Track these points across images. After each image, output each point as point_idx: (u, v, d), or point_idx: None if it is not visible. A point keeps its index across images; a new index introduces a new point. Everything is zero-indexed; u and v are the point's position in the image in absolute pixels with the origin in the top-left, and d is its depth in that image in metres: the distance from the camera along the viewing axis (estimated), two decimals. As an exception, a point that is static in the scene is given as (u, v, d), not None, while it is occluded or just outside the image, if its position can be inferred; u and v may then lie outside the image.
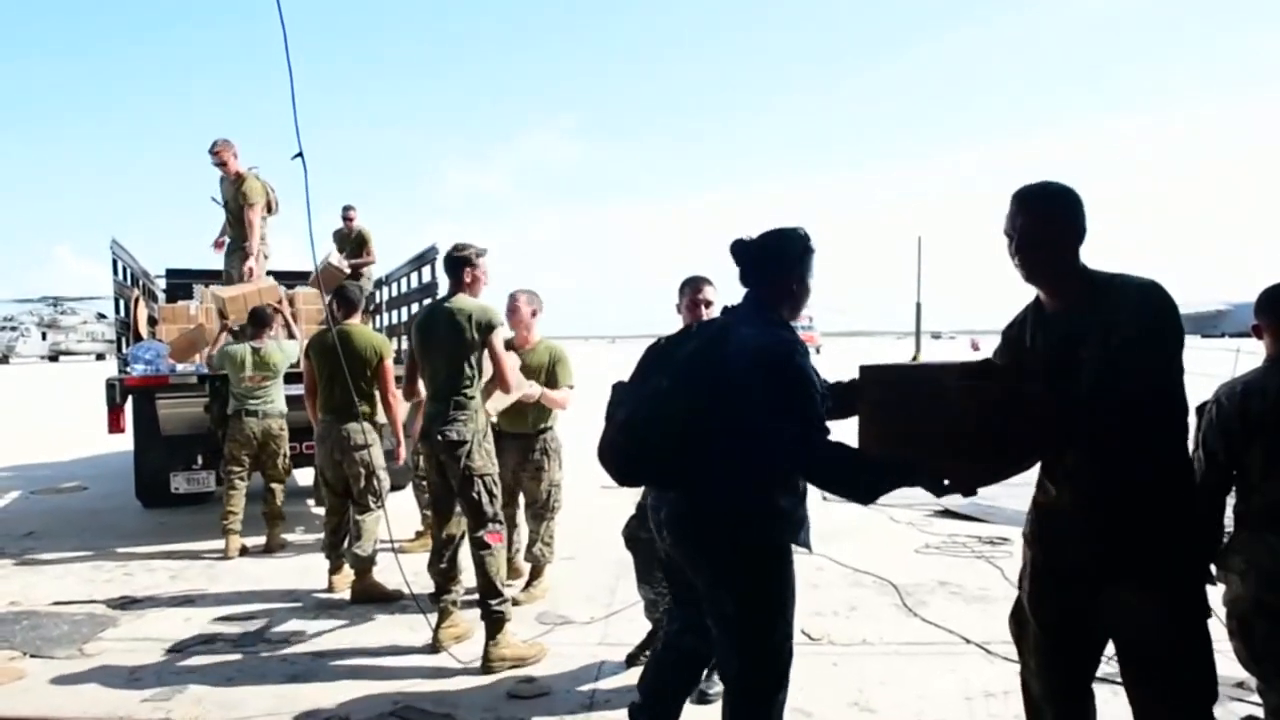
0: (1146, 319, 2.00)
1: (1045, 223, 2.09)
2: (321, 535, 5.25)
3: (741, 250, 2.43)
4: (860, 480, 2.24)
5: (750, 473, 2.26)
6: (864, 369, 2.42)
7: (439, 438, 3.86)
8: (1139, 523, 2.03)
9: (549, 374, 4.72)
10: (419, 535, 6.10)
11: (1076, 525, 2.12)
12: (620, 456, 2.40)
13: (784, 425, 2.18)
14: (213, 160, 7.28)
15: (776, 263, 2.41)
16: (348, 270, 8.45)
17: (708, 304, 3.60)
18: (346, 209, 9.26)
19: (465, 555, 4.02)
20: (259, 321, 6.14)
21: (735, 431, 2.23)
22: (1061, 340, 2.09)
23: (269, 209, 7.54)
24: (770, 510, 2.30)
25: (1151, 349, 2.00)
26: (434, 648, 3.98)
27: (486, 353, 3.98)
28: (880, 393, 2.36)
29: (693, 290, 3.65)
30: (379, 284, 10.05)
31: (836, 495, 2.44)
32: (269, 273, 7.76)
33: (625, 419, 2.39)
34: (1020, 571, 2.36)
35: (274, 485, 6.07)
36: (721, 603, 2.34)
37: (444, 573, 4.04)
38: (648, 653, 3.82)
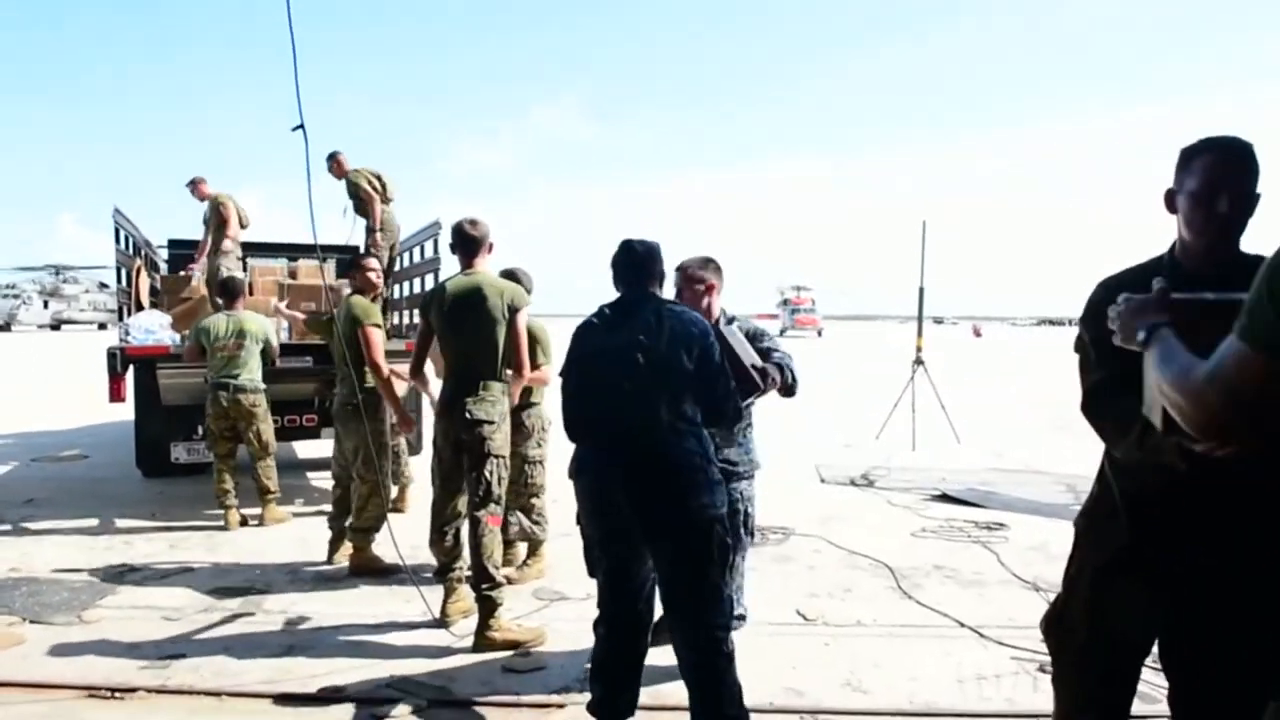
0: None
1: (1256, 181, 1.87)
2: (319, 507, 5.25)
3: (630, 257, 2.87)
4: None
5: (697, 422, 2.71)
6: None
7: (465, 415, 3.79)
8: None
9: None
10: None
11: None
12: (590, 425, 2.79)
13: (720, 380, 2.75)
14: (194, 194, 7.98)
15: (656, 267, 2.90)
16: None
17: (705, 285, 3.43)
18: (333, 155, 7.85)
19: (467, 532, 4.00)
20: (232, 292, 6.15)
21: (688, 388, 2.68)
22: None
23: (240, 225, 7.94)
24: (710, 456, 2.72)
25: None
26: (441, 623, 3.98)
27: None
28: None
29: (686, 275, 3.46)
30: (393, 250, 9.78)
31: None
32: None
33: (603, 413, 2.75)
34: (1072, 571, 2.14)
35: (257, 462, 5.91)
36: (683, 550, 2.63)
37: (448, 550, 4.00)
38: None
